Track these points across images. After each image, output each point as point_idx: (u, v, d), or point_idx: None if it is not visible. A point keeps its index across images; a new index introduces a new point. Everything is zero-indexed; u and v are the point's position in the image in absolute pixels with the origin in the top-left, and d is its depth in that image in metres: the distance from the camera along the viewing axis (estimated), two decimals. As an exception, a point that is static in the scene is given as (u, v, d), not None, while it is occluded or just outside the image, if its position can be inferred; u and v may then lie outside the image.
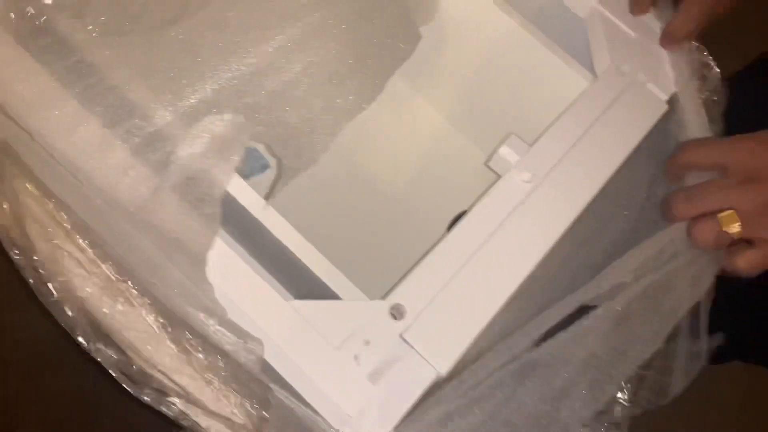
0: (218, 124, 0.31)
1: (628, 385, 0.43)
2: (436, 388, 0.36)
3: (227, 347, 0.32)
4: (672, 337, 0.44)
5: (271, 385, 0.33)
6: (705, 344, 0.43)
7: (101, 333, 0.34)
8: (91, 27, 0.35)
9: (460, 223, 0.39)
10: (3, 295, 0.91)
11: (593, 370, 0.38)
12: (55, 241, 0.33)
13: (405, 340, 0.35)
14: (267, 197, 0.35)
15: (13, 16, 0.35)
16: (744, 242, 0.42)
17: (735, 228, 0.41)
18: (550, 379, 0.37)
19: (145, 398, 0.31)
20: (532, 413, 0.36)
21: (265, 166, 0.58)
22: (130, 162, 0.32)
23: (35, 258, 0.32)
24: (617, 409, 0.42)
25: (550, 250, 0.40)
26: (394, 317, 0.36)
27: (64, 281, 0.34)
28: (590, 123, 0.44)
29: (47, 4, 0.35)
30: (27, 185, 0.30)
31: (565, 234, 0.41)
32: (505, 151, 0.42)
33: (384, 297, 0.36)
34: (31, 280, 0.33)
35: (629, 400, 0.43)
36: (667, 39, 0.49)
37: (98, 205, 0.33)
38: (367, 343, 0.35)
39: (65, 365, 0.90)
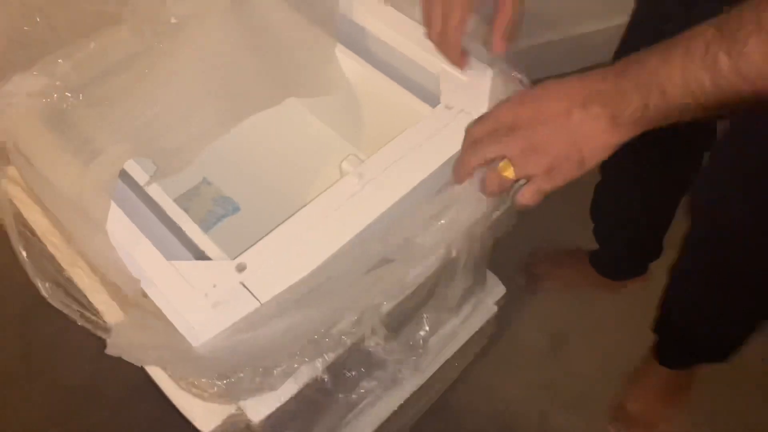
0: (115, 147, 0.52)
1: (426, 316, 0.56)
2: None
3: (119, 283, 0.51)
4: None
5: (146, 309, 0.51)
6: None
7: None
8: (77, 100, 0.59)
9: (300, 211, 0.56)
10: (103, 343, 1.17)
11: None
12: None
13: (243, 285, 0.52)
14: (150, 182, 0.55)
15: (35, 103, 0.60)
16: (521, 182, 0.53)
17: (510, 172, 0.52)
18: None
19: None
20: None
21: (236, 209, 0.78)
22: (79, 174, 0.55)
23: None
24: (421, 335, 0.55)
25: (365, 228, 0.55)
26: (239, 271, 0.53)
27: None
28: (416, 144, 0.60)
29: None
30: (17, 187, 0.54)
31: (385, 218, 0.56)
32: (344, 165, 0.59)
33: (234, 258, 0.54)
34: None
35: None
36: (495, 43, 0.60)
37: (60, 200, 0.55)
38: (215, 286, 0.52)
39: (150, 394, 1.11)
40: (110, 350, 0.48)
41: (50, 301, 0.53)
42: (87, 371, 1.17)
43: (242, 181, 0.79)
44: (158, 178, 0.56)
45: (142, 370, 0.71)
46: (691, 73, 0.43)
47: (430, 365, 0.96)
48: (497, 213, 0.66)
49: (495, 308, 1.04)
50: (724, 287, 0.86)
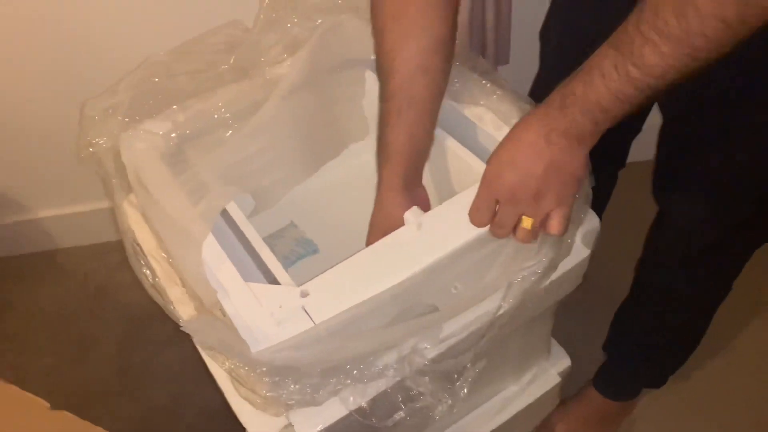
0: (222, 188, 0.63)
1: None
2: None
3: (199, 292, 0.60)
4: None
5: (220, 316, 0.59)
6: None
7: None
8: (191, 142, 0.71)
9: (362, 251, 0.63)
10: (187, 370, 1.28)
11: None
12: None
13: (304, 309, 0.59)
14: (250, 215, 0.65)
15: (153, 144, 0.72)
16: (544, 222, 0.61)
17: (533, 223, 0.60)
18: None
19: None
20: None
21: (315, 250, 0.87)
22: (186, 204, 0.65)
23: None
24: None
25: (419, 271, 0.61)
26: (302, 297, 0.60)
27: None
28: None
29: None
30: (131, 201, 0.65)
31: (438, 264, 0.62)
32: (407, 214, 0.66)
33: (300, 285, 0.61)
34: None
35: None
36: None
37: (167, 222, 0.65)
38: (280, 307, 0.59)
39: (223, 420, 1.18)
40: (185, 327, 0.57)
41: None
42: (170, 394, 1.27)
43: (324, 227, 0.87)
44: (255, 212, 0.65)
45: (218, 396, 0.80)
46: (615, 89, 0.53)
47: (486, 424, 0.98)
48: (553, 273, 0.70)
49: (558, 379, 1.05)
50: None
